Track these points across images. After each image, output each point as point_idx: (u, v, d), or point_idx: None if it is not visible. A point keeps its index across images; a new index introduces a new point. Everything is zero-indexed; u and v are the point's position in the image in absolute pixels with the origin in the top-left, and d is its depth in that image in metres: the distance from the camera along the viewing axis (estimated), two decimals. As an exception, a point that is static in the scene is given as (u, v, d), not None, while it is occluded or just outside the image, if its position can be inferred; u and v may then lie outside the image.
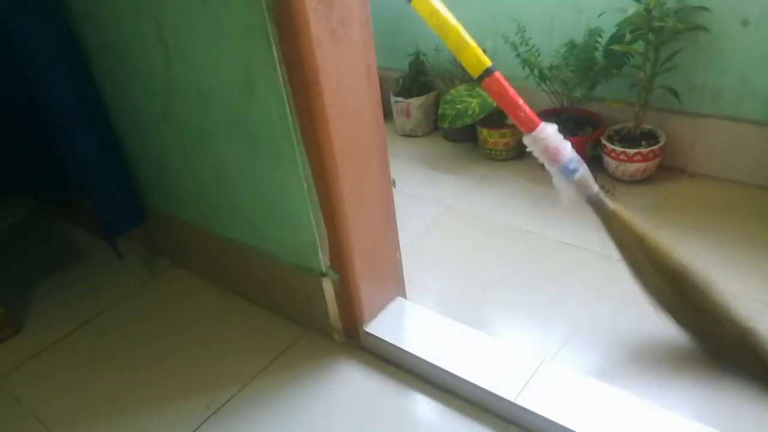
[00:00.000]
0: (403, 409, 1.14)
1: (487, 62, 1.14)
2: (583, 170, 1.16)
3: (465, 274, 1.46)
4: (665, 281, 1.12)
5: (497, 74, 1.14)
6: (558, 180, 1.17)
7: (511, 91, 1.15)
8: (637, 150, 1.64)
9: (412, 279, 1.37)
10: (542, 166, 1.53)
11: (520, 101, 1.15)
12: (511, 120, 1.91)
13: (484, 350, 1.17)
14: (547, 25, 1.80)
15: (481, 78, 1.14)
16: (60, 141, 1.38)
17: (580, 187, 1.16)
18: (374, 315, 1.27)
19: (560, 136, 1.15)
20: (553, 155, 1.14)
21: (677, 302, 1.13)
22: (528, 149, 1.19)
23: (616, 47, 1.59)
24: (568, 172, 1.14)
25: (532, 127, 1.15)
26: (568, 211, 1.63)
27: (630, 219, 1.15)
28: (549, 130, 1.14)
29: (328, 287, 1.23)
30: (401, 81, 2.15)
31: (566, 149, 1.15)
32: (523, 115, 1.15)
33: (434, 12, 1.12)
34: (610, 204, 1.16)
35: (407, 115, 2.13)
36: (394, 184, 1.24)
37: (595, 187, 1.16)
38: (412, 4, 1.14)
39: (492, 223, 1.64)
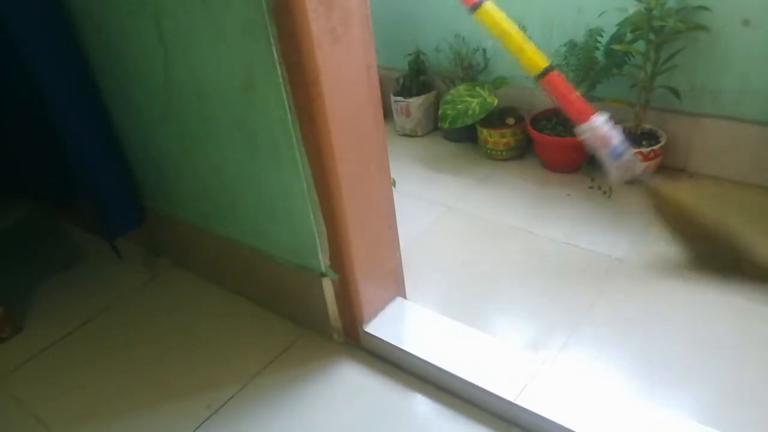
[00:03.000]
0: (402, 409, 1.14)
1: (544, 63, 1.32)
2: (628, 154, 1.35)
3: (465, 274, 1.46)
4: (702, 236, 1.29)
5: (553, 73, 1.33)
6: (606, 162, 1.36)
7: (566, 87, 1.34)
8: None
9: (412, 279, 1.37)
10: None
11: (574, 96, 1.34)
12: (511, 120, 1.93)
13: (484, 350, 1.17)
14: (548, 25, 1.79)
15: (540, 77, 1.33)
16: (60, 141, 1.38)
17: (625, 168, 1.35)
18: (374, 315, 1.27)
19: (611, 124, 1.34)
20: (604, 141, 1.33)
21: (696, 238, 1.31)
22: (580, 138, 1.37)
23: (616, 47, 1.59)
24: (616, 155, 1.33)
25: (585, 118, 1.33)
26: (568, 211, 1.63)
27: (671, 191, 1.35)
28: (600, 120, 1.33)
29: (327, 287, 1.23)
30: (401, 81, 2.15)
31: (616, 136, 1.34)
32: (576, 108, 1.34)
33: (496, 23, 1.31)
34: (652, 181, 1.37)
35: (407, 114, 2.12)
36: (394, 184, 1.24)
37: (639, 168, 1.38)
38: (475, 16, 1.30)
39: (492, 223, 1.64)
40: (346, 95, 1.02)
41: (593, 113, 1.33)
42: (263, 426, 1.14)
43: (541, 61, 1.33)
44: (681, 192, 1.35)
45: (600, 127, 1.33)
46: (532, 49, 1.33)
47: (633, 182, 1.35)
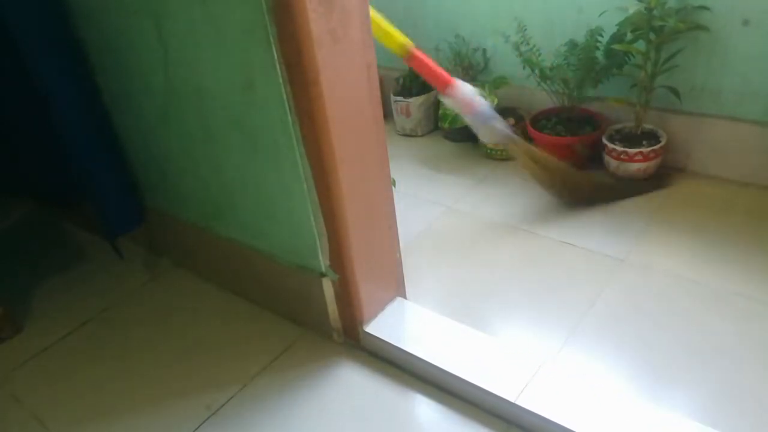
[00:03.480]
0: (402, 409, 1.14)
1: (410, 44, 1.41)
2: (496, 120, 1.51)
3: (465, 274, 1.46)
4: (547, 172, 1.62)
5: (417, 51, 1.43)
6: (474, 125, 1.52)
7: (429, 61, 1.45)
8: (637, 150, 1.64)
9: (412, 279, 1.37)
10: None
11: (438, 68, 1.46)
12: (511, 120, 1.93)
13: (484, 350, 1.17)
14: (548, 25, 1.79)
15: (408, 58, 1.42)
16: (60, 141, 1.38)
17: (492, 131, 1.51)
18: (374, 315, 1.27)
19: (475, 93, 1.48)
20: (470, 107, 1.47)
21: (552, 181, 1.63)
22: (448, 105, 1.53)
23: (616, 46, 1.59)
24: (483, 119, 1.49)
25: (449, 85, 1.45)
26: (568, 211, 1.63)
27: (528, 146, 1.60)
28: (466, 88, 1.46)
29: (327, 287, 1.23)
30: (401, 80, 2.15)
31: (481, 102, 1.48)
32: (441, 78, 1.45)
33: None
34: (516, 138, 1.58)
35: (407, 114, 2.12)
36: (394, 184, 1.24)
37: (509, 132, 1.55)
38: None
39: (492, 223, 1.64)
40: (347, 95, 1.02)
41: (455, 81, 1.45)
42: (263, 426, 1.14)
43: (408, 43, 1.41)
44: (536, 149, 1.61)
45: (464, 93, 1.45)
46: (397, 33, 1.40)
47: (502, 143, 1.56)
